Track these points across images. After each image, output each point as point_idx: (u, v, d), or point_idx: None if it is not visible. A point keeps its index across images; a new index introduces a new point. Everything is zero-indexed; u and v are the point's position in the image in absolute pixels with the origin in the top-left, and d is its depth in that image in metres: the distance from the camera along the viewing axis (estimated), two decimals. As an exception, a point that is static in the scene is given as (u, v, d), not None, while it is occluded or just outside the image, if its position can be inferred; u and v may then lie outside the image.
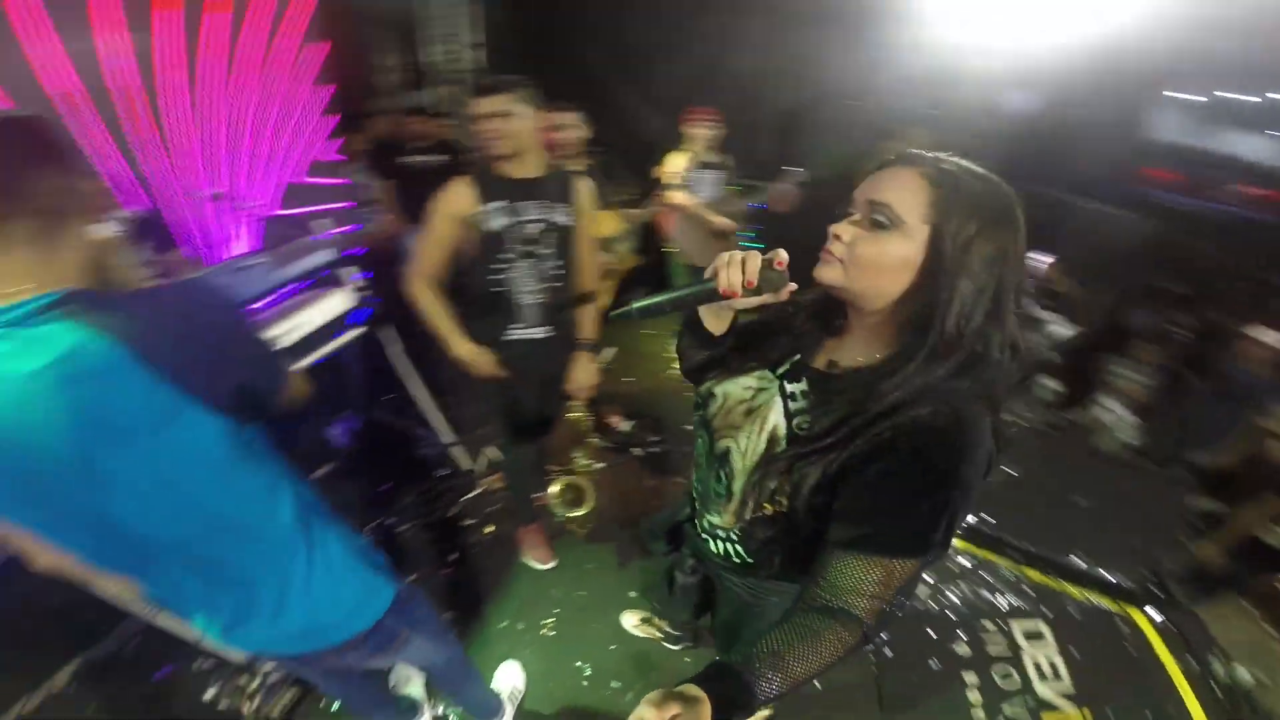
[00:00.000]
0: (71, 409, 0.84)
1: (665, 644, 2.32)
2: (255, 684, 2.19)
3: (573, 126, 2.90)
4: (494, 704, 2.10)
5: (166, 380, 0.87)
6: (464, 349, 2.10)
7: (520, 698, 2.23)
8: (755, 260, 0.90)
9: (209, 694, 2.18)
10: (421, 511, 3.02)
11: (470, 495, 3.11)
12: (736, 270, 0.90)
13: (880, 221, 0.86)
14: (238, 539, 1.05)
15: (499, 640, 2.44)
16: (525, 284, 2.00)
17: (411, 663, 1.70)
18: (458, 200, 1.98)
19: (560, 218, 2.00)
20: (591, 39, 4.92)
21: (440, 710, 2.16)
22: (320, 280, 2.81)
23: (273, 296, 2.64)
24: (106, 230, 1.00)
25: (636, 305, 0.94)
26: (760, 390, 1.05)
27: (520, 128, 1.87)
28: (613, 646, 2.35)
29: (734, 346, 1.08)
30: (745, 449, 1.03)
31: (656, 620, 2.30)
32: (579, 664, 2.34)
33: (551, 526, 2.73)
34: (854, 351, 0.97)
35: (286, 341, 2.51)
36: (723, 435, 1.08)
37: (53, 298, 0.86)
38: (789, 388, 1.01)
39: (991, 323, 0.85)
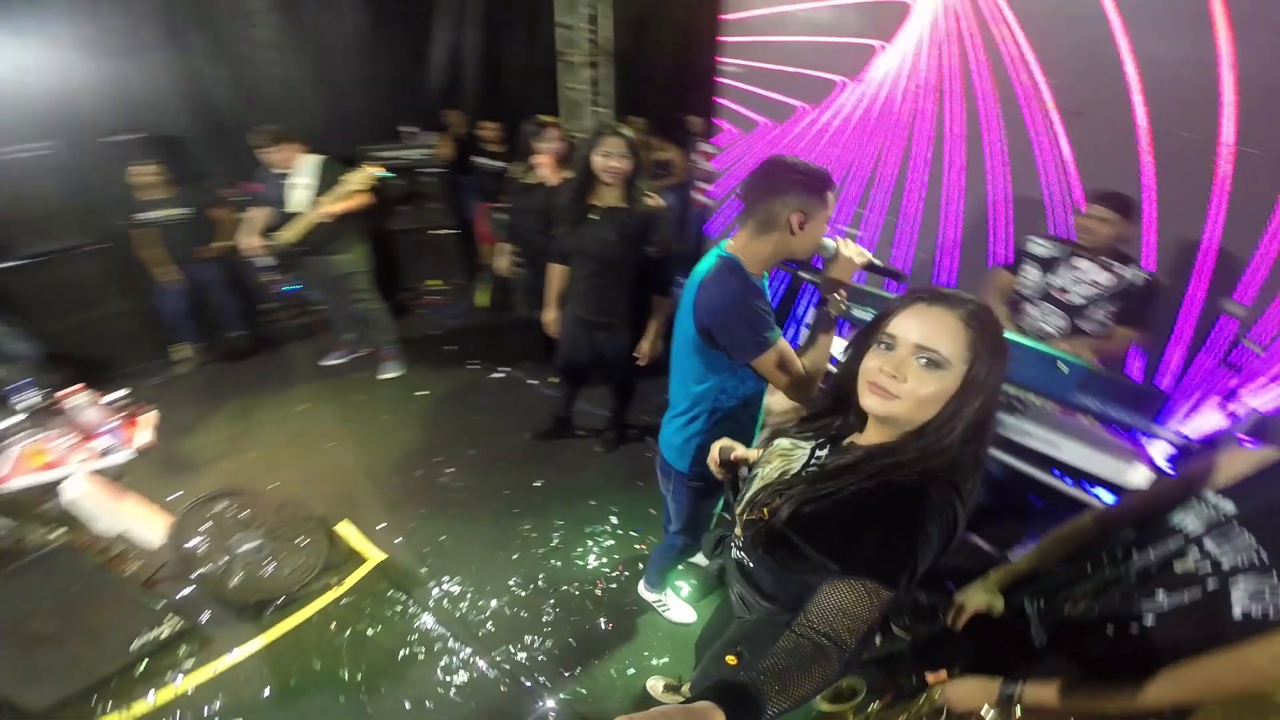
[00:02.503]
0: (685, 294, 1.78)
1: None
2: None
3: None
4: (658, 583, 2.67)
5: (695, 313, 1.70)
6: None
7: (664, 610, 2.69)
8: None
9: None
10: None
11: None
12: None
13: (933, 363, 0.99)
14: (683, 381, 1.90)
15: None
16: None
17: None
18: None
19: None
20: None
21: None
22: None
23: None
24: (810, 243, 1.67)
25: None
26: (799, 448, 1.25)
27: None
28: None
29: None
30: (766, 475, 1.25)
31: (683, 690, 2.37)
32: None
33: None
34: (868, 437, 1.14)
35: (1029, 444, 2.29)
36: (760, 465, 1.31)
37: (728, 258, 1.66)
38: (818, 453, 1.22)
39: (975, 430, 1.01)
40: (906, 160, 3.51)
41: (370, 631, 2.71)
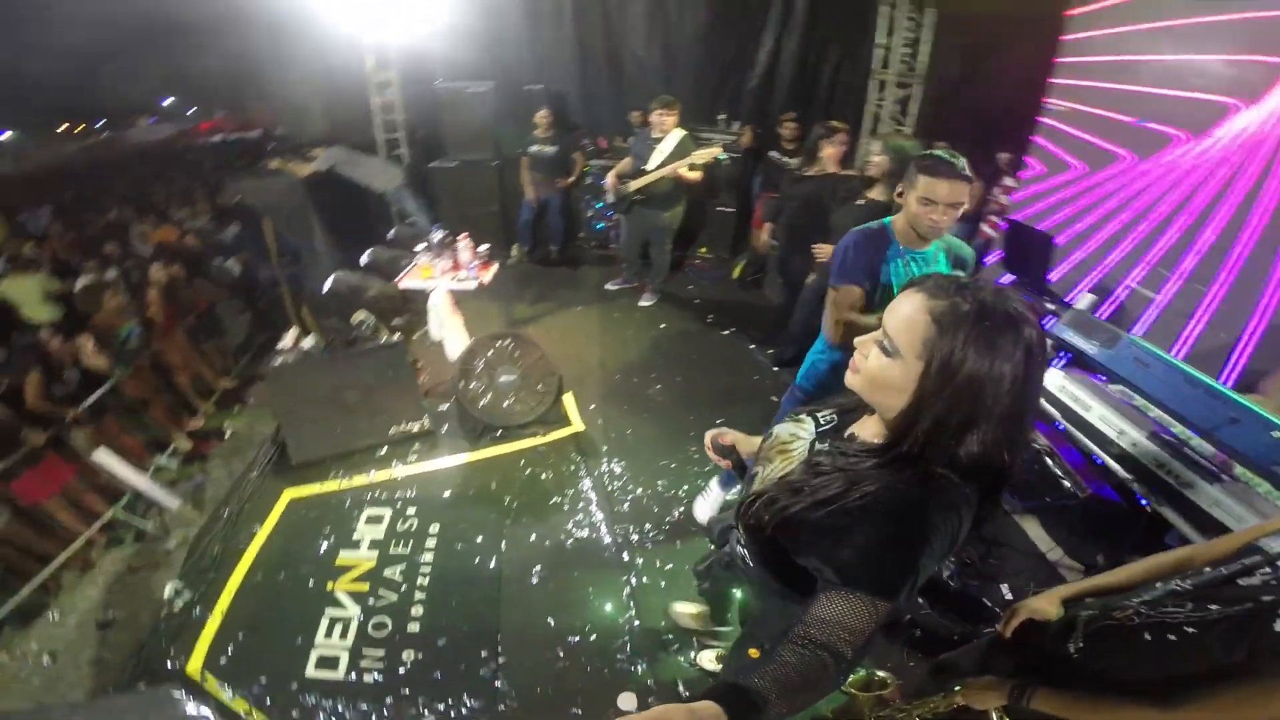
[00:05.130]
0: None
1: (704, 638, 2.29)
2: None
3: None
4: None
5: None
6: None
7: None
8: None
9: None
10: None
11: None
12: None
13: (886, 350, 0.91)
14: None
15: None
16: None
17: None
18: None
19: None
20: None
21: None
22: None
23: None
24: (912, 213, 1.84)
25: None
26: (798, 440, 1.13)
27: None
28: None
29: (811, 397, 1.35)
30: (765, 476, 1.13)
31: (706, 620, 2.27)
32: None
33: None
34: (871, 430, 1.02)
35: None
36: (759, 462, 1.19)
37: (884, 222, 1.92)
38: (818, 446, 1.08)
39: (959, 441, 0.87)
40: (1234, 227, 2.86)
41: (543, 476, 3.14)
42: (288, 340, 3.83)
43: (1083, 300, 2.75)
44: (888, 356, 0.91)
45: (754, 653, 1.29)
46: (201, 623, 2.49)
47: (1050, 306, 2.90)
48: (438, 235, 4.03)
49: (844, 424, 1.10)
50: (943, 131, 4.89)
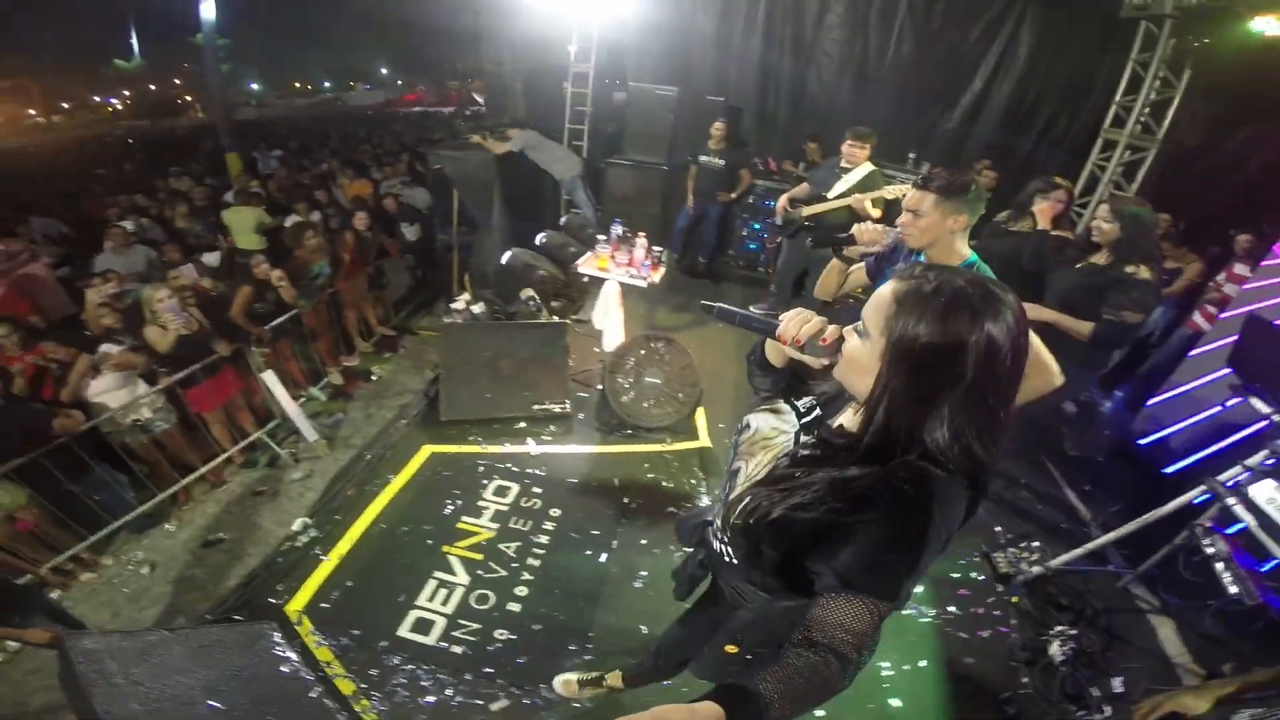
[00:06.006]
0: None
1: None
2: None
3: None
4: None
5: None
6: None
7: None
8: (811, 327, 0.98)
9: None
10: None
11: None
12: (795, 327, 0.99)
13: (857, 332, 0.92)
14: None
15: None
16: None
17: None
18: None
19: None
20: None
21: None
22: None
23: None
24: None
25: (718, 306, 1.10)
26: (781, 433, 1.08)
27: None
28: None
29: (787, 383, 1.15)
30: (750, 473, 1.07)
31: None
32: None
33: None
34: (847, 419, 1.00)
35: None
36: (740, 457, 1.13)
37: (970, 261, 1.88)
38: (803, 438, 1.04)
39: (923, 424, 0.85)
40: None
41: (663, 484, 3.05)
42: (460, 303, 4.02)
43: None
44: (859, 338, 0.92)
45: (731, 649, 1.26)
46: (316, 563, 2.55)
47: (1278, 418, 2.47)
48: (618, 229, 4.04)
49: (826, 414, 1.07)
50: (1172, 202, 4.25)
